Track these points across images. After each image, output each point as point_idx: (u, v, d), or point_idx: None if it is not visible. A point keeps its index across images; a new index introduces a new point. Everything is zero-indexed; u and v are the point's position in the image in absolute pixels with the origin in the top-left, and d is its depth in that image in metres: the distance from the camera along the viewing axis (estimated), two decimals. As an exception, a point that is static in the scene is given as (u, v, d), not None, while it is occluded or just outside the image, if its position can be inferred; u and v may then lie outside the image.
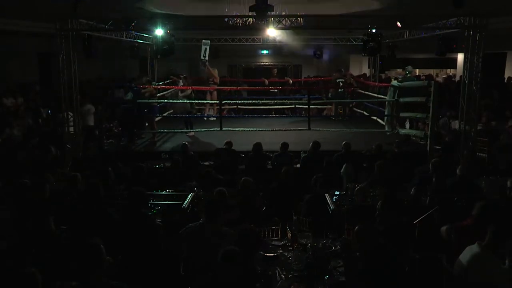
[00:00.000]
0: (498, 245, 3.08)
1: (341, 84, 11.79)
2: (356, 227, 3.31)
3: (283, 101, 11.87)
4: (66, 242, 3.75)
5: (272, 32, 9.01)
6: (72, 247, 3.56)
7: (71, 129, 8.12)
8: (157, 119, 9.95)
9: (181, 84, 10.26)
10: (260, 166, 6.94)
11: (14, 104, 10.48)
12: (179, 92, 9.96)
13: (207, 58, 11.46)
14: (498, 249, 3.09)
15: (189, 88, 9.94)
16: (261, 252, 3.60)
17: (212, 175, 5.78)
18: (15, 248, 3.51)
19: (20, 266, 2.69)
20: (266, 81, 13.39)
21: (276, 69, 14.53)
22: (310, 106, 9.44)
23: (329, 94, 11.99)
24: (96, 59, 8.59)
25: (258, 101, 11.01)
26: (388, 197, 4.14)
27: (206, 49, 11.47)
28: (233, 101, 11.61)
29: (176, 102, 9.77)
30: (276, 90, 12.76)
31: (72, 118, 8.12)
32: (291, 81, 13.45)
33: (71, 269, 3.10)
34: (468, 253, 3.17)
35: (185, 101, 9.69)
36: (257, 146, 7.07)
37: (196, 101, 10.31)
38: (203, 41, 11.50)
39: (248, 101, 11.29)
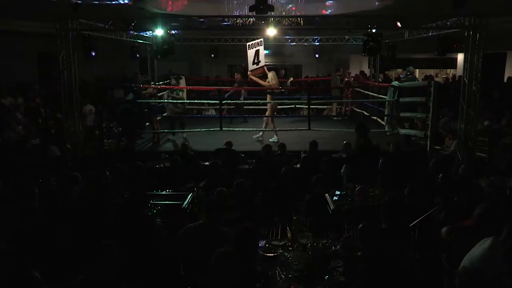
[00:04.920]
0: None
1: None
2: (360, 225, 3.30)
3: (283, 101, 11.87)
4: (66, 241, 3.75)
5: (272, 32, 9.00)
6: (72, 247, 3.57)
7: (71, 129, 8.12)
8: (158, 119, 9.96)
9: (173, 83, 10.18)
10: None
11: (14, 104, 10.47)
12: (169, 92, 9.86)
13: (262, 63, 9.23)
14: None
15: (178, 88, 9.82)
16: (261, 252, 3.60)
17: (219, 166, 5.78)
18: (17, 248, 3.51)
19: (21, 267, 2.68)
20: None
21: (283, 70, 14.58)
22: (310, 106, 9.46)
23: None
24: (96, 59, 8.60)
25: (258, 101, 11.01)
26: (393, 199, 4.13)
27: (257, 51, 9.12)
28: (233, 101, 11.61)
29: (168, 105, 9.72)
30: (283, 90, 12.78)
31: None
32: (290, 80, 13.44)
33: (71, 269, 3.10)
34: (481, 248, 3.12)
35: (185, 101, 9.70)
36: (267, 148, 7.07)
37: (196, 100, 10.34)
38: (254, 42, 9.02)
39: (248, 101, 11.29)
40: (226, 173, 6.00)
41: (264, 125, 9.37)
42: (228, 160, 6.87)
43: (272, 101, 9.25)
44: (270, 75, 9.03)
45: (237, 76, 11.97)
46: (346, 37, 12.58)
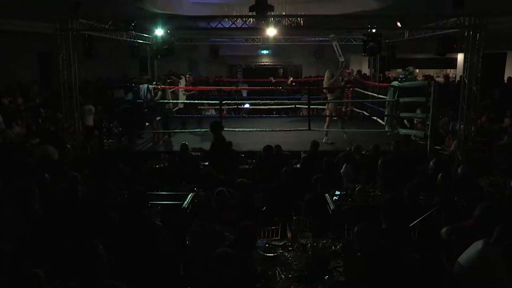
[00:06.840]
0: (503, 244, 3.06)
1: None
2: (357, 227, 3.31)
3: (283, 101, 11.88)
4: (66, 242, 3.75)
5: (272, 32, 9.01)
6: (72, 247, 3.57)
7: (71, 129, 8.12)
8: (158, 119, 9.95)
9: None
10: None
11: (13, 104, 10.46)
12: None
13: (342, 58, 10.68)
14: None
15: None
16: (261, 252, 3.60)
17: (212, 174, 5.79)
18: (18, 248, 3.51)
19: (22, 267, 2.69)
20: (272, 79, 13.42)
21: (282, 69, 14.66)
22: (310, 106, 9.47)
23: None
24: (96, 59, 8.60)
25: (258, 101, 11.01)
26: (393, 199, 4.14)
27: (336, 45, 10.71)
28: (233, 101, 11.61)
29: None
30: (283, 90, 12.82)
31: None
32: (290, 80, 13.46)
33: (70, 269, 3.10)
34: (473, 249, 3.15)
35: (185, 101, 9.69)
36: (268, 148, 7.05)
37: (196, 101, 10.32)
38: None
39: (248, 101, 11.29)
40: (222, 178, 6.01)
41: (326, 124, 9.31)
42: (227, 160, 6.88)
43: (335, 101, 9.41)
44: (327, 74, 9.36)
45: (189, 78, 11.95)
46: (346, 37, 12.58)
